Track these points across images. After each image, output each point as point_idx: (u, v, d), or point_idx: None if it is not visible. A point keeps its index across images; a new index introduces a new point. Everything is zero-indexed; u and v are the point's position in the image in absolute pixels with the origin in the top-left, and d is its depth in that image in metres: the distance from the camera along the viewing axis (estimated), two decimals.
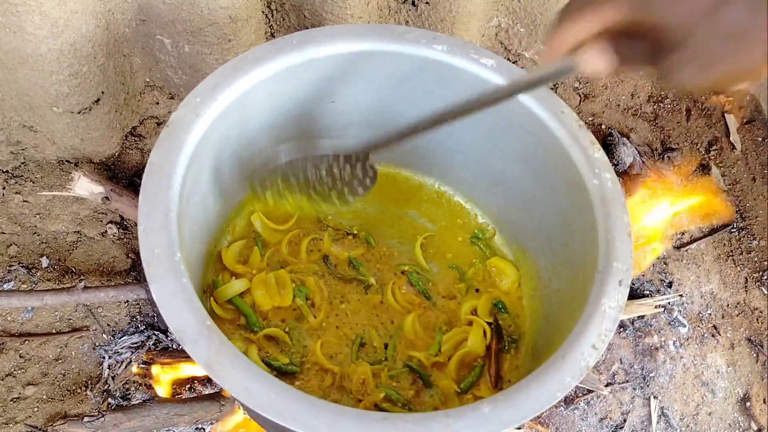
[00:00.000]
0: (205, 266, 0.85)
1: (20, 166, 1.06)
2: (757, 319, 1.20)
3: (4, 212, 1.03)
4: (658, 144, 1.35)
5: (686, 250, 1.23)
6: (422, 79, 0.82)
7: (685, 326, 1.15)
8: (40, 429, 0.91)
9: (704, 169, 1.34)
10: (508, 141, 0.85)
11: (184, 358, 0.96)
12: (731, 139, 1.38)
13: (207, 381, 0.97)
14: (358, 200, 0.97)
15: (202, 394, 0.96)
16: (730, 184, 1.33)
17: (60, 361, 0.96)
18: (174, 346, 0.99)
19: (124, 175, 1.10)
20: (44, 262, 1.02)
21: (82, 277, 1.02)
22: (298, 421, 0.55)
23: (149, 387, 0.96)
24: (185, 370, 0.96)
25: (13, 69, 0.89)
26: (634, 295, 1.16)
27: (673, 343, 1.13)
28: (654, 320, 1.14)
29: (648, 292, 1.17)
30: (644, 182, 1.25)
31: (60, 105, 0.95)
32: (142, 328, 1.00)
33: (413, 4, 1.11)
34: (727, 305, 1.20)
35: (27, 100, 0.95)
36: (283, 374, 0.80)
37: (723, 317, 1.19)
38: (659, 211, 1.18)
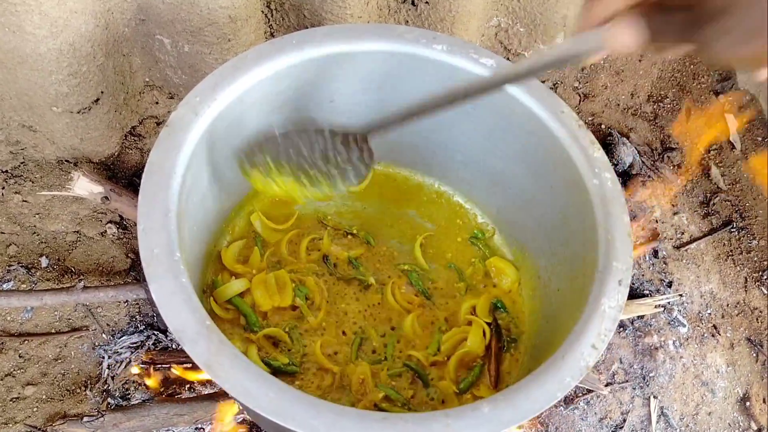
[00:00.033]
0: (205, 266, 0.85)
1: (20, 165, 1.06)
2: (757, 319, 1.20)
3: (3, 212, 1.03)
4: (657, 144, 1.35)
5: (686, 250, 1.23)
6: (422, 78, 0.82)
7: (684, 326, 1.15)
8: (39, 429, 0.91)
9: (704, 169, 1.34)
10: (508, 141, 0.85)
11: (183, 358, 0.96)
12: (731, 139, 1.38)
13: (207, 381, 0.97)
14: (358, 200, 0.97)
15: (201, 394, 0.95)
16: (729, 184, 1.33)
17: (59, 361, 0.96)
18: (174, 346, 0.99)
19: (123, 175, 1.10)
20: (44, 261, 1.02)
21: (81, 276, 1.02)
22: (297, 421, 0.55)
23: (147, 387, 0.95)
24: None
25: (12, 69, 0.89)
26: (634, 294, 1.16)
27: (673, 343, 1.13)
28: (654, 320, 1.14)
29: (648, 292, 1.17)
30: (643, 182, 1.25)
31: (59, 105, 0.95)
32: (141, 328, 1.00)
33: (413, 3, 1.11)
34: (727, 305, 1.20)
35: (26, 99, 0.95)
36: (283, 374, 0.80)
37: (723, 317, 1.19)
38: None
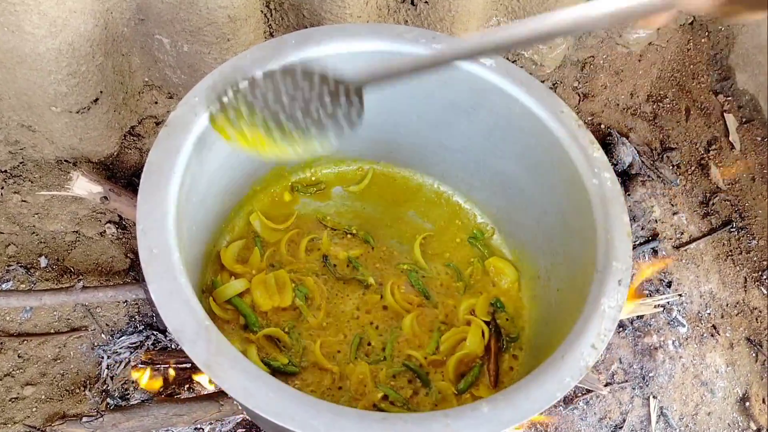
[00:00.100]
0: (204, 266, 0.85)
1: (19, 165, 1.06)
2: (756, 319, 1.20)
3: (2, 212, 1.03)
4: (657, 144, 1.35)
5: (685, 250, 1.23)
6: (421, 78, 0.82)
7: (684, 326, 1.15)
8: (38, 429, 0.91)
9: (703, 168, 1.34)
10: (508, 141, 0.85)
11: (183, 358, 0.96)
12: (730, 138, 1.38)
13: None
14: (357, 200, 0.97)
15: (200, 394, 0.95)
16: (729, 184, 1.33)
17: (58, 361, 0.96)
18: (173, 346, 0.98)
19: (122, 175, 1.09)
20: (43, 261, 1.02)
21: (80, 276, 1.02)
22: (296, 421, 0.55)
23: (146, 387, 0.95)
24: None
25: (11, 68, 0.89)
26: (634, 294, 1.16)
27: (673, 343, 1.13)
28: (653, 320, 1.14)
29: (647, 292, 1.17)
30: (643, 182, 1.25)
31: (58, 104, 0.95)
32: (140, 328, 1.00)
33: (412, 3, 1.11)
34: (727, 305, 1.20)
35: (25, 99, 0.95)
36: (282, 374, 0.80)
37: (722, 317, 1.19)
38: None
